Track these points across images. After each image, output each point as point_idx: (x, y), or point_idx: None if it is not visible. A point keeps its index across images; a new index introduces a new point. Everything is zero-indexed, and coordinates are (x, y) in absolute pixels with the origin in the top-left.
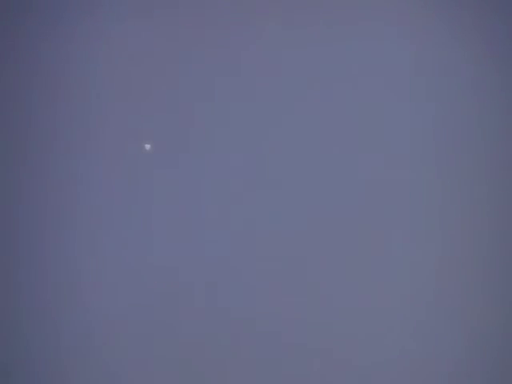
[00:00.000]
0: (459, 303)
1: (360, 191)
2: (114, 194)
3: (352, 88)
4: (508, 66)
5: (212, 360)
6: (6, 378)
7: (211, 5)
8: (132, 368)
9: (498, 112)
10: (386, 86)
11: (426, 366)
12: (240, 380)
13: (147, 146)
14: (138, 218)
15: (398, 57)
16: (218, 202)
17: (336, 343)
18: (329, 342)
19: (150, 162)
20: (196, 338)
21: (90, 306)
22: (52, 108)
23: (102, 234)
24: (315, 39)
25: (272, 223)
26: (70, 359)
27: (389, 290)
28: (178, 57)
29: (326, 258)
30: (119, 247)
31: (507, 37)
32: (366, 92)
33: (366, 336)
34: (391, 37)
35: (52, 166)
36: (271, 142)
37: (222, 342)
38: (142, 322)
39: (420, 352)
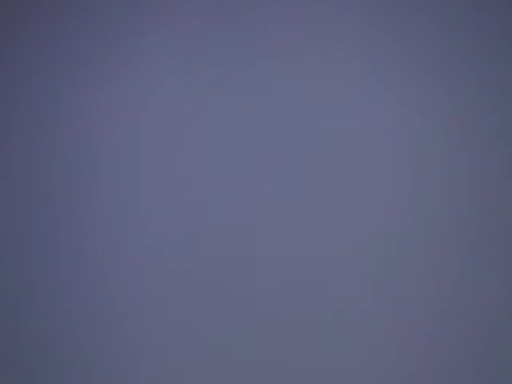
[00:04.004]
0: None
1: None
2: (115, 196)
3: (356, 98)
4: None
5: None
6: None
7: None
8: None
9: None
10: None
11: (425, 368)
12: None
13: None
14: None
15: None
16: (219, 206)
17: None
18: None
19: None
20: (195, 337)
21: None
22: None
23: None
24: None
25: (273, 226)
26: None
27: (388, 291)
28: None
29: (326, 257)
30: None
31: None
32: (369, 100)
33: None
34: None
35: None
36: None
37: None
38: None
39: (419, 354)
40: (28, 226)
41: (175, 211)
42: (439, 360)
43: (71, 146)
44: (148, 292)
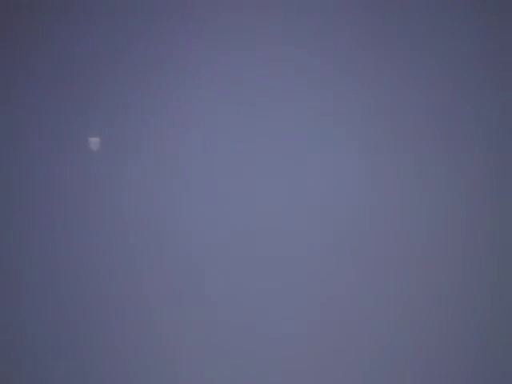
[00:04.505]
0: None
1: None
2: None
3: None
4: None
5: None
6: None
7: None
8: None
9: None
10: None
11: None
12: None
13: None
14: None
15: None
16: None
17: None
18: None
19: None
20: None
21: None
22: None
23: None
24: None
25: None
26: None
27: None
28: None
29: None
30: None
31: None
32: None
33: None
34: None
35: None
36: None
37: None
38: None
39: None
40: (28, 221)
41: (174, 211)
42: (440, 361)
43: (72, 147)
44: (148, 290)
